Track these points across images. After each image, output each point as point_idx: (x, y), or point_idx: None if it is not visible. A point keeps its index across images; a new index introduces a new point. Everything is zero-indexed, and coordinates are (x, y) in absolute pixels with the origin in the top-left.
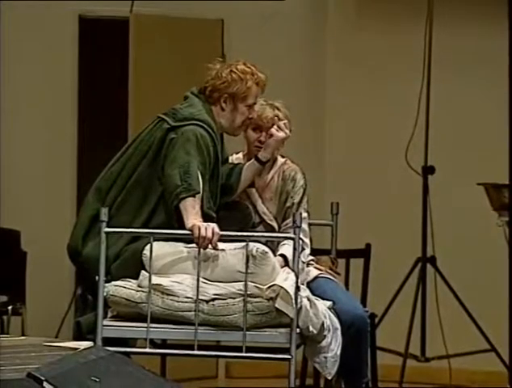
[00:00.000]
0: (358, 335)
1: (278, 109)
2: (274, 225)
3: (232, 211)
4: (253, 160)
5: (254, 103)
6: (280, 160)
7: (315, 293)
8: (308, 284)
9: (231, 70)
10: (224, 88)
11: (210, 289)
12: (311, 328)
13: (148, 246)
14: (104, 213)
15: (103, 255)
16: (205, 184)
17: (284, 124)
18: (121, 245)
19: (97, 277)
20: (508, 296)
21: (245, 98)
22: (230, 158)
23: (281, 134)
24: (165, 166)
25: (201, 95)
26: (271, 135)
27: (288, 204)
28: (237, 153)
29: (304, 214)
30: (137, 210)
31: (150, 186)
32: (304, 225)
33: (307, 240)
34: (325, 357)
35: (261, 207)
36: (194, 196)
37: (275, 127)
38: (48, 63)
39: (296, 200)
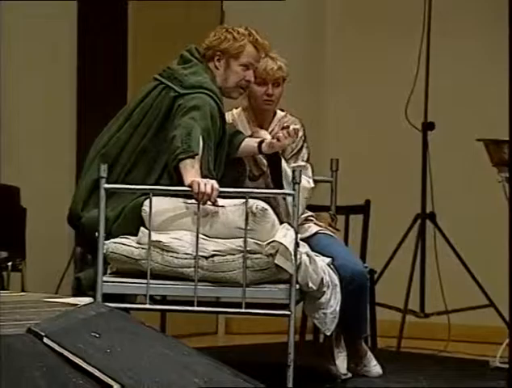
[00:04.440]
0: (358, 291)
1: (278, 61)
2: None
3: (226, 166)
4: (255, 143)
5: (252, 65)
6: (280, 113)
7: (314, 249)
8: (308, 241)
9: (226, 30)
10: (217, 44)
11: (209, 246)
12: (310, 284)
13: (147, 202)
14: (103, 170)
15: (103, 211)
16: (208, 152)
17: (294, 130)
18: (121, 209)
19: (96, 233)
20: (508, 251)
21: (237, 55)
22: (230, 112)
23: (287, 141)
24: (170, 131)
25: (203, 59)
26: (278, 139)
27: (288, 155)
28: (236, 108)
29: (302, 163)
30: (144, 178)
31: (157, 154)
32: (303, 176)
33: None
34: (324, 313)
35: (261, 160)
36: (193, 157)
37: (285, 132)
38: (46, 29)
39: (296, 150)
